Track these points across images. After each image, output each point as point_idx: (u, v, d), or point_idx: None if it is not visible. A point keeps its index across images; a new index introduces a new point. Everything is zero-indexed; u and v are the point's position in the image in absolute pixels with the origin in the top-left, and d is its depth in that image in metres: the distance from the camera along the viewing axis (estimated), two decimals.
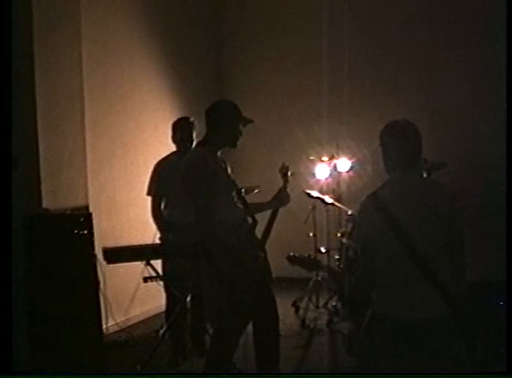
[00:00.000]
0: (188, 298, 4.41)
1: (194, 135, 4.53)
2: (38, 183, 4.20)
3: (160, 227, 4.57)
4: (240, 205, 3.45)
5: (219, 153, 3.50)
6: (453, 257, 2.98)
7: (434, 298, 2.78)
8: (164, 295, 4.64)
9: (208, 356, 3.48)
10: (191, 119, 4.66)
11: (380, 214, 2.85)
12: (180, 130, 4.61)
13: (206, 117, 3.51)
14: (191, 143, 4.47)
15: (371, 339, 2.85)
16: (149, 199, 4.68)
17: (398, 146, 3.02)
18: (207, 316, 3.54)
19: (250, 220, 3.48)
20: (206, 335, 4.55)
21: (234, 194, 3.44)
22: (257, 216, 3.61)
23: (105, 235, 4.86)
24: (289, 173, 3.80)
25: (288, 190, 3.75)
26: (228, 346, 3.39)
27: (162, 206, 4.57)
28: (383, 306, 2.84)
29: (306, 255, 3.13)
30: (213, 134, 3.45)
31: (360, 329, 2.94)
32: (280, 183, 3.84)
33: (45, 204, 4.23)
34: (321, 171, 6.13)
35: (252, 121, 3.55)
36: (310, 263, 3.15)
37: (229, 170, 3.56)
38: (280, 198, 3.69)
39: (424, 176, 4.74)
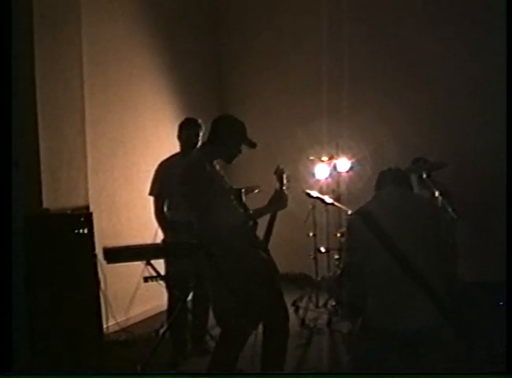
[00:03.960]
0: (189, 298, 4.42)
1: (200, 135, 4.55)
2: (39, 183, 4.21)
3: (162, 227, 4.58)
4: (239, 208, 3.46)
5: (215, 161, 3.51)
6: (443, 265, 3.03)
7: (426, 309, 2.80)
8: (164, 295, 4.65)
9: (213, 357, 3.48)
10: (199, 120, 4.66)
11: (369, 228, 2.90)
12: (187, 129, 4.62)
13: (211, 127, 3.52)
14: (196, 144, 4.49)
15: (364, 344, 2.87)
16: (149, 199, 4.69)
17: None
18: (214, 317, 3.52)
19: (250, 221, 3.48)
20: (207, 335, 4.56)
21: (232, 197, 3.45)
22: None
23: (105, 234, 4.87)
24: (284, 176, 3.74)
25: (286, 191, 3.68)
26: (233, 348, 3.39)
27: (165, 207, 4.58)
28: (375, 318, 2.86)
29: (297, 273, 3.16)
30: (213, 145, 3.47)
31: (355, 331, 2.98)
32: None
33: (45, 204, 4.24)
34: (321, 171, 6.14)
35: (255, 145, 3.50)
36: (301, 280, 3.18)
37: (223, 175, 3.56)
38: (277, 201, 3.60)
39: (424, 176, 4.77)
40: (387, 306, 2.83)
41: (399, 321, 2.79)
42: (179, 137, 4.70)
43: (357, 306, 3.14)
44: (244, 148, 3.52)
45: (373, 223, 2.97)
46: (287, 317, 3.53)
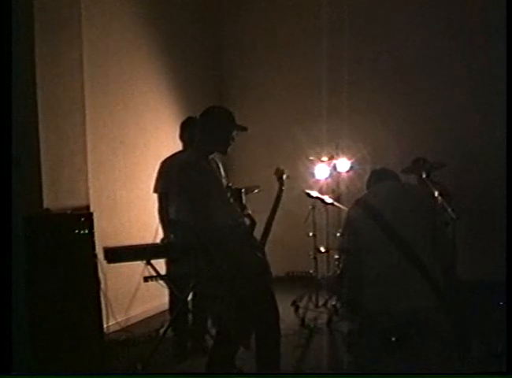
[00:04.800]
0: (189, 297, 4.42)
1: None
2: (39, 183, 4.21)
3: (164, 226, 4.58)
4: (236, 207, 3.46)
5: (211, 156, 3.51)
6: (440, 253, 3.11)
7: (424, 292, 2.85)
8: (164, 295, 4.65)
9: (210, 356, 3.49)
10: None
11: (368, 218, 2.96)
12: (189, 129, 4.63)
13: (200, 122, 3.53)
14: None
15: (367, 339, 2.90)
16: (150, 199, 4.69)
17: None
18: (210, 317, 3.53)
19: (248, 221, 3.48)
20: (207, 335, 4.56)
21: (228, 195, 3.45)
22: (256, 218, 3.60)
23: (105, 234, 4.86)
24: (284, 177, 3.76)
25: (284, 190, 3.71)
26: (230, 348, 3.40)
27: (168, 205, 4.59)
28: (375, 303, 2.90)
29: (302, 272, 3.22)
30: (205, 139, 3.47)
31: (355, 330, 3.02)
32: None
33: (46, 204, 4.24)
34: (321, 171, 6.15)
35: (246, 129, 3.52)
36: (306, 278, 3.22)
37: (222, 173, 3.56)
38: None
39: (424, 176, 4.80)
40: (385, 290, 2.88)
41: (397, 304, 2.84)
42: (181, 137, 4.70)
43: (355, 302, 3.17)
44: (237, 134, 3.51)
45: (372, 211, 3.03)
46: (277, 317, 3.54)
